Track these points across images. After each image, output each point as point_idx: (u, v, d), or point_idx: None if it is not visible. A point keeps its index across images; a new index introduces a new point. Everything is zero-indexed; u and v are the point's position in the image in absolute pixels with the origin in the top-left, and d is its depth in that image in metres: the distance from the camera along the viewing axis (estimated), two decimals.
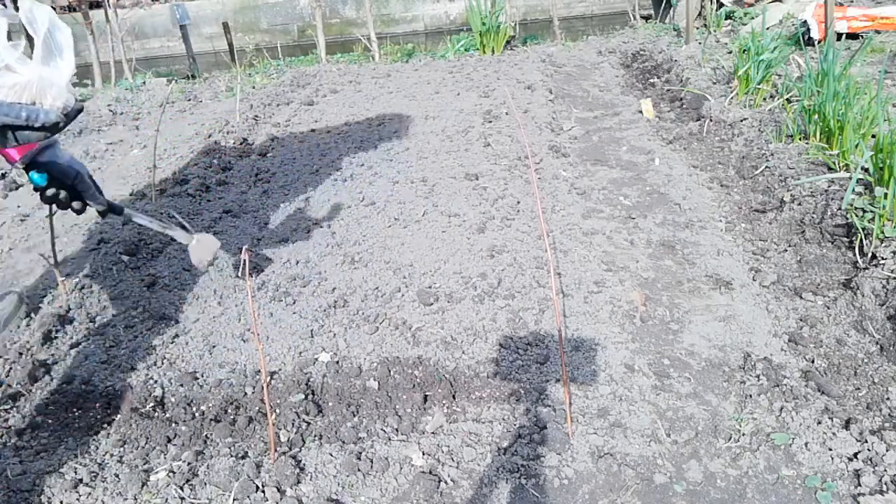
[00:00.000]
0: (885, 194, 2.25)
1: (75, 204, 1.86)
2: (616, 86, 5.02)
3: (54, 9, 1.53)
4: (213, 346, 2.09)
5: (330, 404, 1.86)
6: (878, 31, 4.66)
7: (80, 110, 1.38)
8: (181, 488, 1.62)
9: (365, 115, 4.38)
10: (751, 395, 1.79)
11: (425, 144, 3.69)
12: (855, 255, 2.28)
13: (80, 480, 1.66)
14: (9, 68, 1.21)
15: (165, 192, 3.31)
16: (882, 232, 2.21)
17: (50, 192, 1.78)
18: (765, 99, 3.80)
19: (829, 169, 2.78)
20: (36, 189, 1.78)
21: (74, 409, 1.90)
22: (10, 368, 2.05)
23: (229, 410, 1.86)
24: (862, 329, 2.04)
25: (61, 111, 1.26)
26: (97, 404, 1.91)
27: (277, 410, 1.85)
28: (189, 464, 1.70)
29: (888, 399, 1.76)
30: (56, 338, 2.20)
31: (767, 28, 4.75)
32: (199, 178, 3.44)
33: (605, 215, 2.89)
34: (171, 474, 1.66)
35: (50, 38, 1.19)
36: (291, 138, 4.04)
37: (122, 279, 2.50)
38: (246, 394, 1.90)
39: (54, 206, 1.84)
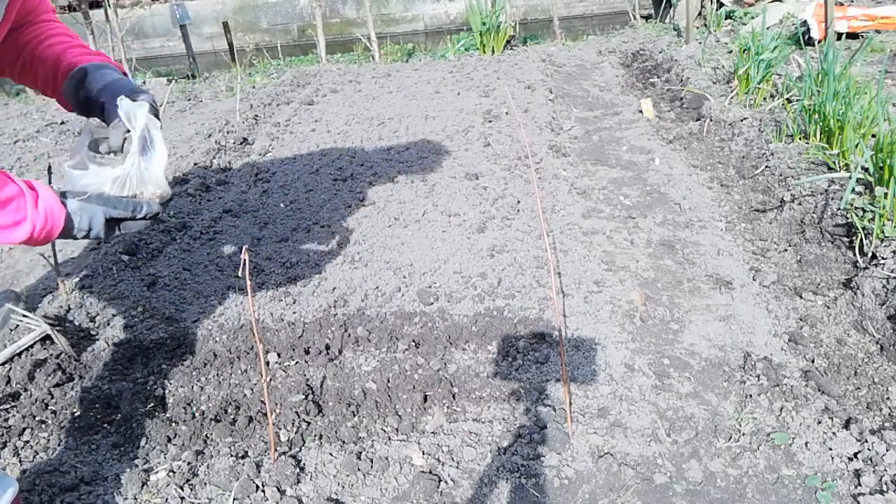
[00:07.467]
0: (885, 194, 2.25)
1: None
2: (616, 85, 5.02)
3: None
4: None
5: (330, 404, 1.86)
6: (878, 31, 4.65)
7: (172, 198, 1.38)
8: (181, 488, 1.62)
9: (365, 114, 4.37)
10: (751, 395, 1.79)
11: (425, 144, 3.69)
12: (855, 254, 2.28)
13: (81, 480, 1.66)
14: (89, 162, 1.25)
15: None
16: (882, 231, 2.21)
17: None
18: (765, 98, 3.80)
19: (829, 168, 2.78)
20: None
21: (75, 409, 1.90)
22: (10, 368, 2.05)
23: (229, 410, 1.86)
24: (862, 329, 2.04)
25: (160, 201, 1.30)
26: (97, 404, 1.91)
27: (277, 410, 1.85)
28: (189, 464, 1.70)
29: (888, 399, 1.76)
30: None
31: (767, 28, 4.75)
32: (199, 177, 3.43)
33: (606, 215, 2.89)
34: (171, 474, 1.66)
35: (147, 132, 1.25)
36: (291, 138, 4.04)
37: (122, 279, 2.50)
38: (245, 394, 1.90)
39: None
